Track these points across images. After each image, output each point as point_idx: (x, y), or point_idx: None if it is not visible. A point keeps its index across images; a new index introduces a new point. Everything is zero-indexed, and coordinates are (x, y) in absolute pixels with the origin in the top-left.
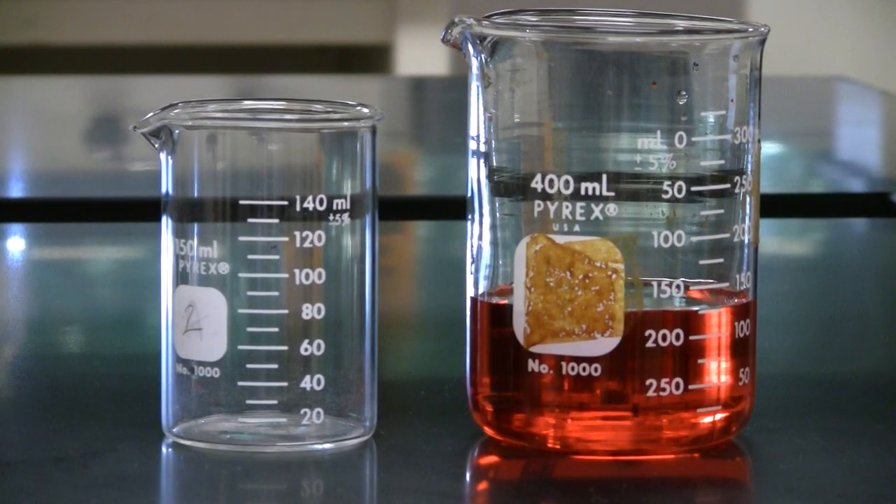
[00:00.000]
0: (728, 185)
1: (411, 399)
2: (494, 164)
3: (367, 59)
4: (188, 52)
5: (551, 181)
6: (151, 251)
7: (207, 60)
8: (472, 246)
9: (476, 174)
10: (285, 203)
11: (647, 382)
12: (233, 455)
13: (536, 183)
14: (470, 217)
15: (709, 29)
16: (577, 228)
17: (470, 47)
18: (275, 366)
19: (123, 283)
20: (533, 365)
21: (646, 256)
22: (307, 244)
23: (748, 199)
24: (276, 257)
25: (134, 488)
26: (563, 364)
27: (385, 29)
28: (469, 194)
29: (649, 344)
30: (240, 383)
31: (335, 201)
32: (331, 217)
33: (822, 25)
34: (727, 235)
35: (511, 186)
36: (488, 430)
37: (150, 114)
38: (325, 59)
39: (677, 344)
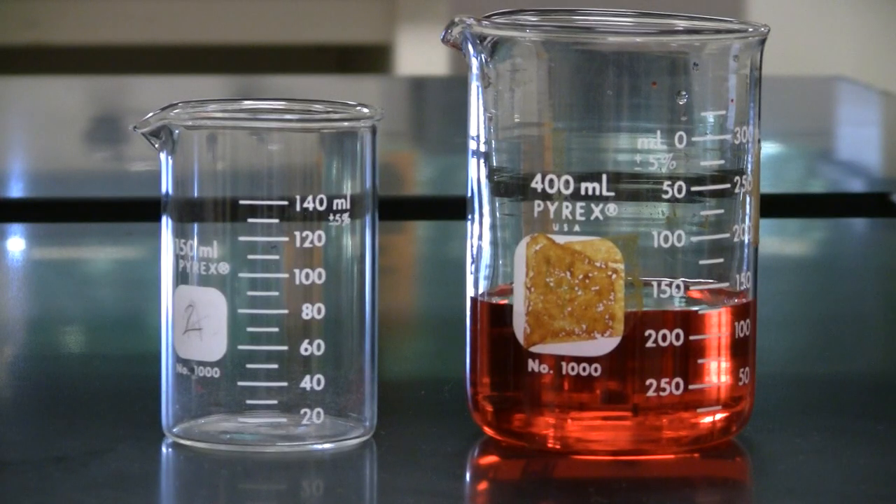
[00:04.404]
0: (728, 185)
1: (411, 399)
2: (494, 164)
3: (367, 59)
4: (188, 52)
5: (551, 181)
6: (151, 251)
7: (207, 60)
8: (472, 246)
9: (476, 174)
10: (285, 203)
11: (647, 382)
12: (233, 455)
13: (536, 183)
14: (470, 217)
15: (709, 29)
16: (577, 228)
17: (470, 47)
18: (275, 366)
19: (123, 283)
20: (533, 365)
21: (646, 256)
22: (307, 244)
23: (748, 199)
24: (276, 257)
25: (134, 488)
26: (563, 364)
27: (385, 29)
28: (469, 194)
29: (649, 344)
30: (240, 383)
31: (335, 201)
32: (331, 217)
33: (822, 25)
34: (727, 235)
35: (511, 186)
36: (488, 430)
37: (150, 114)
38: (325, 59)
39: (677, 344)
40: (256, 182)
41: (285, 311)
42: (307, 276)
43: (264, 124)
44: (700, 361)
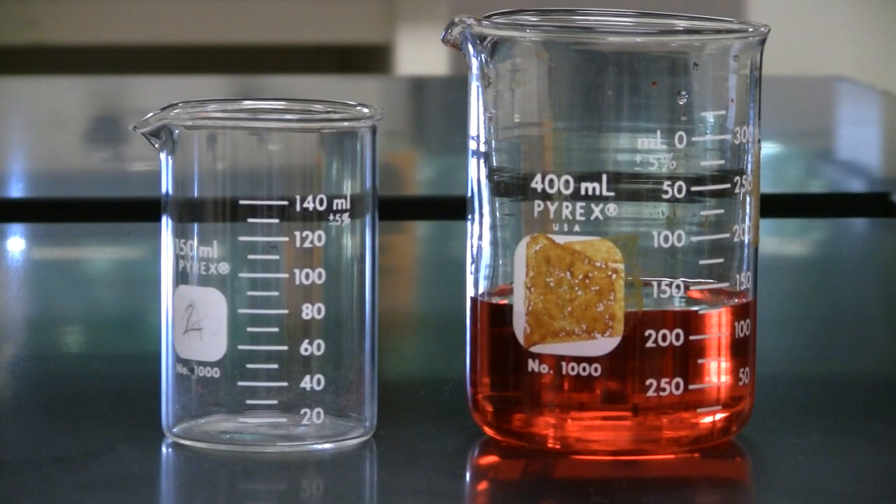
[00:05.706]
0: (728, 185)
1: (411, 399)
2: (494, 164)
3: (367, 59)
4: (188, 52)
5: (551, 181)
6: (151, 251)
7: (207, 60)
8: (472, 246)
9: (476, 174)
10: (285, 203)
11: (647, 382)
12: (233, 455)
13: (536, 183)
14: (470, 217)
15: (709, 29)
16: (577, 228)
17: (470, 47)
18: (275, 366)
19: (123, 283)
20: (533, 365)
21: (646, 256)
22: (307, 244)
23: (748, 199)
24: (276, 257)
25: (134, 488)
26: (563, 364)
27: (385, 29)
28: (469, 194)
29: (649, 344)
30: (240, 383)
31: (335, 201)
32: (331, 217)
33: (822, 25)
34: (727, 235)
35: (511, 186)
36: (488, 430)
37: (150, 114)
38: (325, 59)
39: (677, 344)
40: (256, 182)
41: (285, 311)
42: (307, 276)
43: (264, 124)
44: (700, 361)
